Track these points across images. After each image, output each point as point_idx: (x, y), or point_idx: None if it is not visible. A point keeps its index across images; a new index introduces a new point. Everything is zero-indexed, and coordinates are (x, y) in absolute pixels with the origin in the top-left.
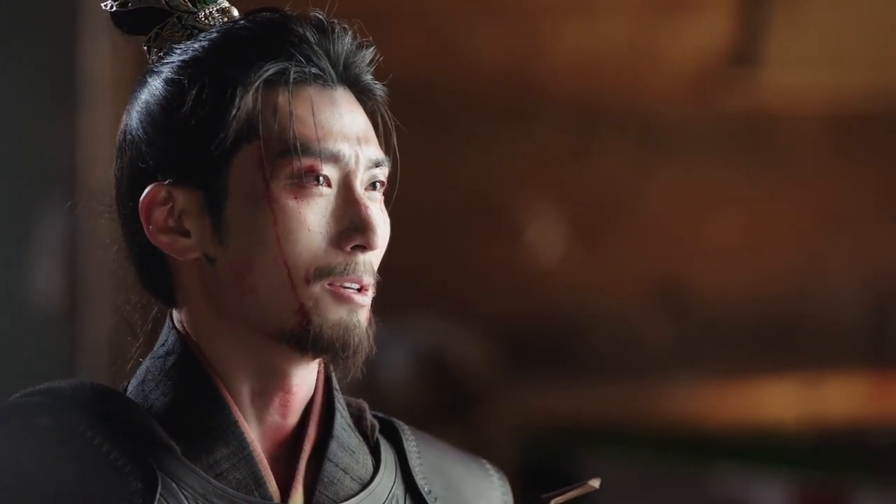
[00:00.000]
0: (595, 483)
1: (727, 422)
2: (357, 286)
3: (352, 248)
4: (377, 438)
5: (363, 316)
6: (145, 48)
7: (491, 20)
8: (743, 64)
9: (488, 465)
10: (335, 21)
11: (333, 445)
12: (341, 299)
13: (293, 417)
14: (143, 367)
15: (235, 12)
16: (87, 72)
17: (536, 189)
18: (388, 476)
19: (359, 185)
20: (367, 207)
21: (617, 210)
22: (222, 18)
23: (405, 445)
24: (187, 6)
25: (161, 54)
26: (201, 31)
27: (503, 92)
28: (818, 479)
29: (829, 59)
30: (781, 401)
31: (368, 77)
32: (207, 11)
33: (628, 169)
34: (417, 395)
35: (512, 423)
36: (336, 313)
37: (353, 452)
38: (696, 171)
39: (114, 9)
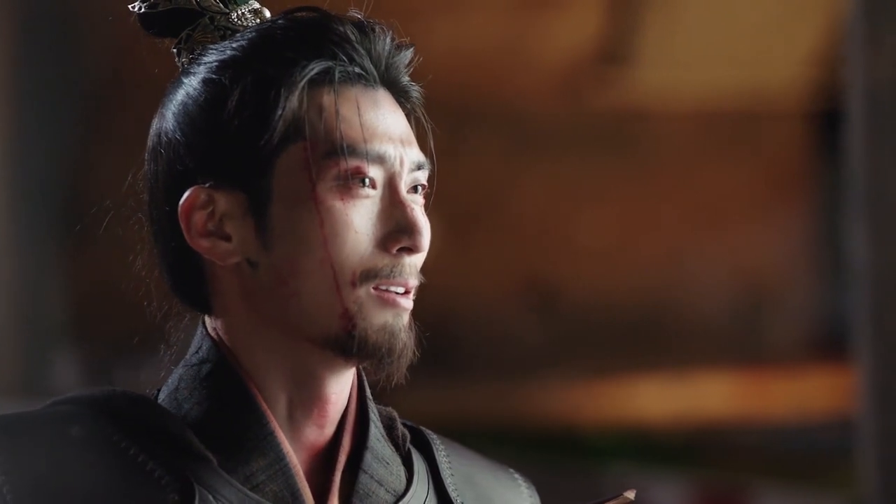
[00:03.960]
0: (630, 494)
1: (600, 420)
2: (402, 289)
3: (398, 251)
4: (409, 448)
5: (406, 319)
6: (174, 50)
7: None
8: (613, 62)
9: (516, 475)
10: (374, 21)
11: (368, 457)
12: (386, 303)
13: (330, 427)
14: (174, 375)
15: (268, 13)
16: None
17: None
18: (421, 488)
19: (403, 186)
20: (412, 209)
21: (488, 209)
22: (255, 19)
23: (436, 456)
24: (219, 7)
25: (193, 56)
26: (234, 32)
27: None
28: (707, 477)
29: (700, 58)
30: (653, 398)
31: (406, 78)
32: (240, 12)
33: (499, 168)
34: None
35: None
36: (381, 317)
37: (388, 464)
38: (567, 169)
39: (142, 10)
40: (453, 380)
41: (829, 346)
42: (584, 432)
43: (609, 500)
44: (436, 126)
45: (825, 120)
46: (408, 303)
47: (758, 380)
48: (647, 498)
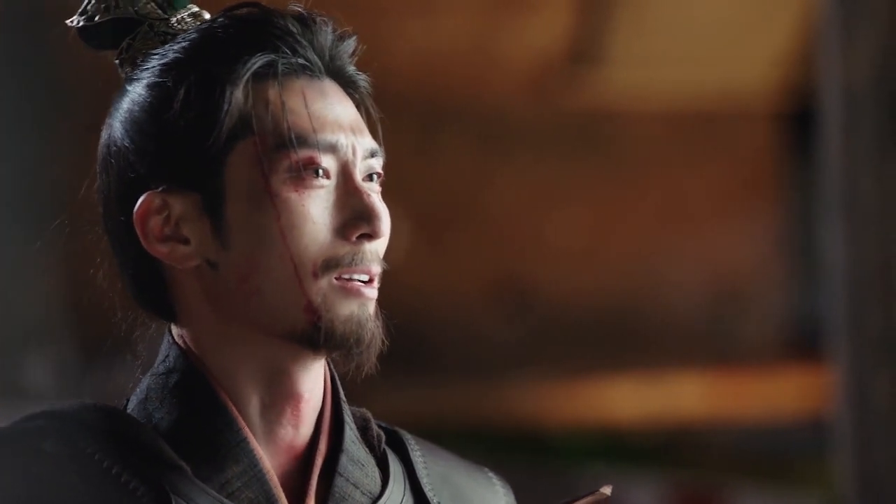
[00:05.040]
0: (607, 490)
1: (572, 420)
2: (366, 277)
3: (357, 238)
4: (384, 449)
5: (372, 309)
6: (117, 62)
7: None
8: (584, 62)
9: (491, 474)
10: (315, 13)
11: (343, 459)
12: (350, 293)
13: (305, 429)
14: (143, 385)
15: (207, 16)
16: None
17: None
18: (397, 489)
19: (358, 174)
20: (368, 195)
21: (459, 209)
22: (195, 22)
23: (411, 456)
24: (158, 13)
25: (135, 63)
26: (174, 37)
27: None
28: (681, 477)
29: (671, 58)
30: (626, 399)
31: (352, 68)
32: (179, 17)
33: (471, 168)
34: None
35: None
36: (346, 308)
37: (363, 466)
38: (538, 169)
39: (81, 24)
40: (425, 380)
41: (802, 345)
42: (556, 433)
43: (586, 496)
44: (408, 126)
45: (797, 120)
46: (372, 292)
47: (731, 380)
48: (621, 499)
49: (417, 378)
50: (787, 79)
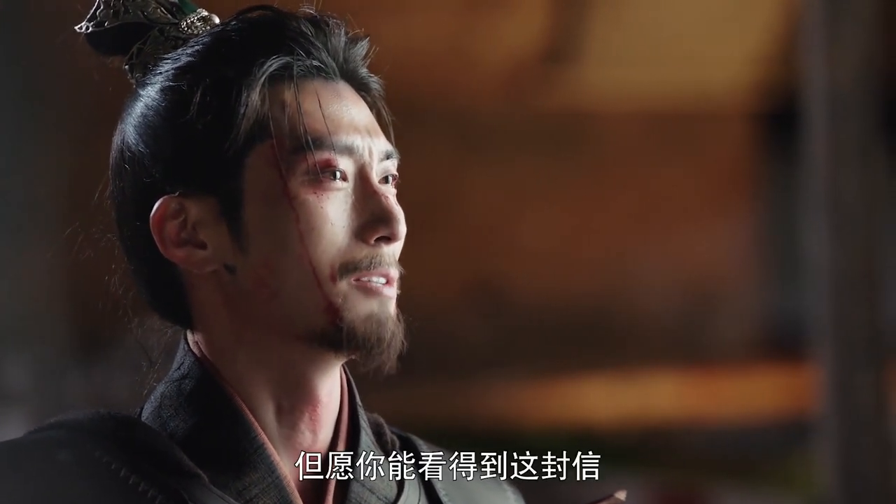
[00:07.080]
0: (621, 495)
1: (548, 421)
2: (384, 280)
3: (376, 241)
4: (397, 454)
5: (393, 308)
6: (126, 67)
7: None
8: (558, 62)
9: (501, 480)
10: (328, 15)
11: (360, 464)
12: (370, 293)
13: (323, 434)
14: (157, 393)
15: (217, 20)
16: None
17: None
18: (412, 494)
19: (375, 176)
20: (387, 198)
21: (435, 209)
22: (205, 26)
23: (424, 461)
24: (168, 18)
25: (147, 68)
26: (185, 41)
27: None
28: (659, 477)
29: (647, 58)
30: (602, 399)
31: (365, 71)
32: (189, 21)
33: (444, 168)
34: None
35: None
36: (367, 307)
37: (379, 471)
38: (512, 169)
39: (90, 30)
40: (400, 380)
41: (780, 345)
42: (532, 433)
43: (600, 501)
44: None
45: (776, 119)
46: (391, 291)
47: (708, 380)
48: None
49: (392, 378)
50: (765, 78)
